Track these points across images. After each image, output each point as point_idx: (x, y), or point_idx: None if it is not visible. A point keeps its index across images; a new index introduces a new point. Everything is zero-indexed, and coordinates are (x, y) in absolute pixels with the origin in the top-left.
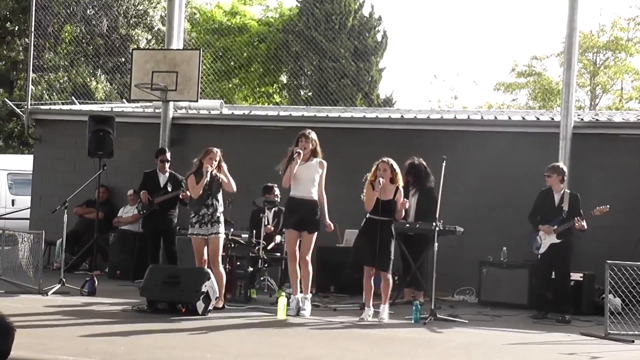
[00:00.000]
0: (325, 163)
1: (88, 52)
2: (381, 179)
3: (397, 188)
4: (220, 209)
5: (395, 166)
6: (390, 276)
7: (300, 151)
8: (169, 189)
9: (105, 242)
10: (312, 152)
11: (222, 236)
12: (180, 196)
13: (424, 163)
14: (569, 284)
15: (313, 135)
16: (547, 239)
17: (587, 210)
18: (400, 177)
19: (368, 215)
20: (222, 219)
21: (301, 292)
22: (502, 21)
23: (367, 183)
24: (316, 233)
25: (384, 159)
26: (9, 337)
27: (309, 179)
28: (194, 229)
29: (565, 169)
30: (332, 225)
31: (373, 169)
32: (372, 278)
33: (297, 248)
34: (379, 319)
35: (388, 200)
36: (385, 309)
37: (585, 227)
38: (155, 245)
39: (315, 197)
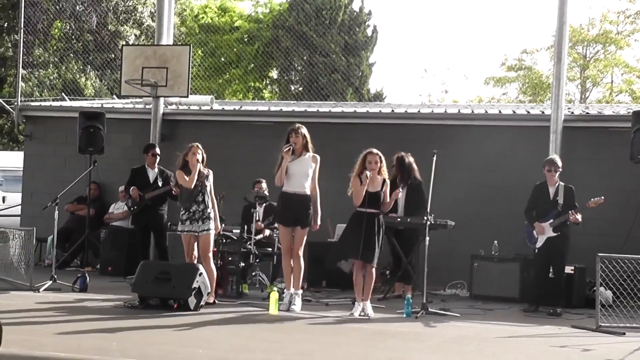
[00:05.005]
0: (318, 157)
1: (78, 49)
2: (368, 172)
3: (384, 180)
4: (210, 205)
5: (382, 158)
6: (374, 269)
7: (288, 149)
8: (160, 184)
9: (96, 238)
10: (303, 147)
11: (212, 232)
12: (173, 192)
13: (411, 157)
14: (563, 278)
15: (303, 130)
16: (544, 233)
17: (582, 203)
18: (385, 168)
19: (356, 209)
20: (212, 215)
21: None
22: (492, 15)
23: (353, 177)
24: (308, 228)
25: (373, 151)
26: None
27: (302, 173)
28: (185, 226)
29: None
30: (318, 225)
31: (359, 161)
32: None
33: (291, 243)
34: (364, 315)
35: (375, 192)
36: (368, 305)
37: (580, 219)
38: (146, 241)
39: (308, 192)
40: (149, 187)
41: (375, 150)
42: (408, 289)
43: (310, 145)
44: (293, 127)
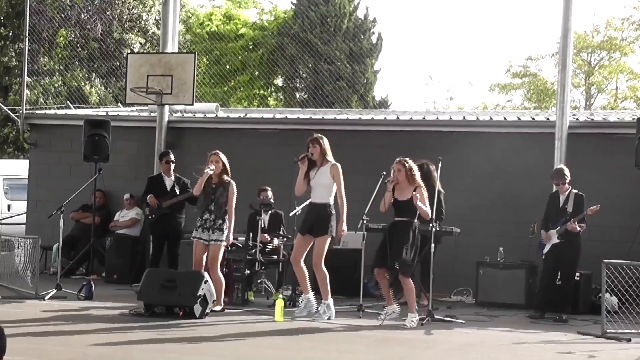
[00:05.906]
0: (338, 166)
1: (82, 57)
2: (390, 179)
3: (416, 188)
4: (220, 216)
5: (412, 165)
6: (408, 280)
7: (301, 158)
8: (177, 191)
9: (101, 246)
10: (322, 157)
11: (222, 244)
12: None
13: (432, 166)
14: (571, 285)
15: (321, 140)
16: (550, 240)
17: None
18: (417, 176)
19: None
20: (224, 227)
21: (319, 297)
22: (497, 22)
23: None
24: (326, 237)
25: (398, 159)
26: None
27: (319, 184)
28: (197, 233)
29: (567, 171)
30: (343, 231)
31: (392, 172)
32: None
33: (302, 252)
34: (406, 323)
35: (405, 200)
36: (409, 317)
37: (578, 228)
38: (160, 249)
39: (326, 201)
40: (166, 195)
41: (399, 158)
42: (423, 298)
43: (329, 155)
44: (310, 137)
